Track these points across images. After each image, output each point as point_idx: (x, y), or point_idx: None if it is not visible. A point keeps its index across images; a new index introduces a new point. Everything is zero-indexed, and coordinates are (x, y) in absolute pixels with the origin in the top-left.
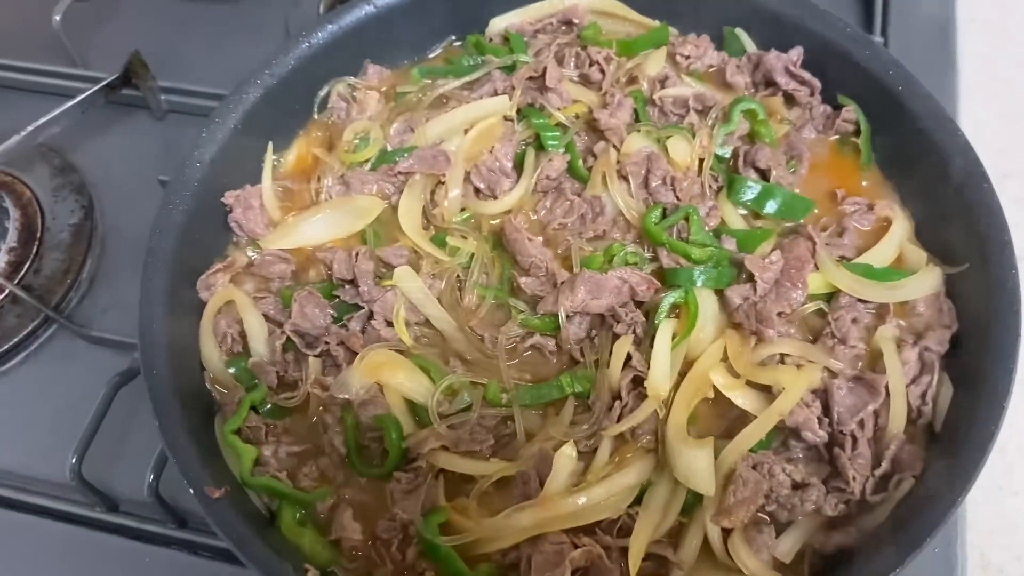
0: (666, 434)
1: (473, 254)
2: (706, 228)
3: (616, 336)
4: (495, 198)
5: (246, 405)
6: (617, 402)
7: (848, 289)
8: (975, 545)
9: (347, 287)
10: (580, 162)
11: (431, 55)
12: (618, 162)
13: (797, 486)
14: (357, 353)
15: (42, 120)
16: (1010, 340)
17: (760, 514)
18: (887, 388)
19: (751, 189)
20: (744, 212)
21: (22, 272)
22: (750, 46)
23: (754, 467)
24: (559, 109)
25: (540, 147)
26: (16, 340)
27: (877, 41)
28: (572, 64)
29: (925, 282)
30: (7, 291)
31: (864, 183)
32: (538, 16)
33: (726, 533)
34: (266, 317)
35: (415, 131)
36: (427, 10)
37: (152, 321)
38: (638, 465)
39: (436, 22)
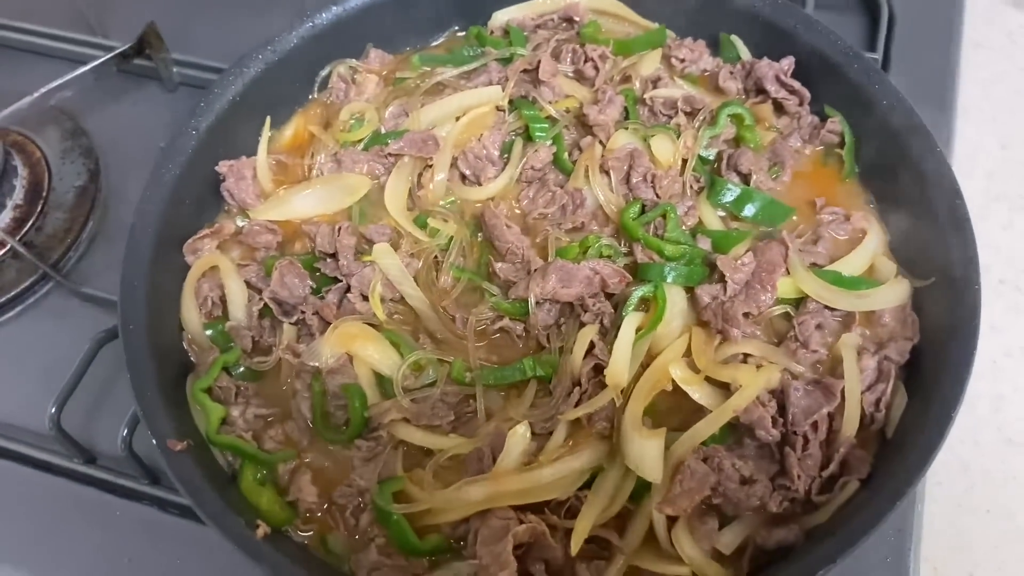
0: (622, 422)
1: (452, 237)
2: (683, 227)
3: (583, 325)
4: (480, 185)
5: (218, 365)
6: (577, 388)
7: (816, 295)
8: (928, 559)
9: (328, 260)
10: (566, 155)
11: (434, 43)
12: (602, 157)
13: (745, 481)
14: (331, 323)
15: (55, 83)
16: (965, 353)
17: (706, 506)
18: (843, 393)
19: (731, 191)
20: (723, 214)
21: (25, 228)
22: (744, 53)
23: (704, 460)
24: (550, 102)
25: (528, 138)
26: (14, 294)
27: (867, 56)
28: (568, 60)
29: (892, 293)
30: (8, 246)
31: (844, 194)
32: (540, 12)
33: (671, 522)
34: (248, 284)
35: (409, 115)
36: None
37: (135, 278)
38: (591, 450)
39: (441, 12)
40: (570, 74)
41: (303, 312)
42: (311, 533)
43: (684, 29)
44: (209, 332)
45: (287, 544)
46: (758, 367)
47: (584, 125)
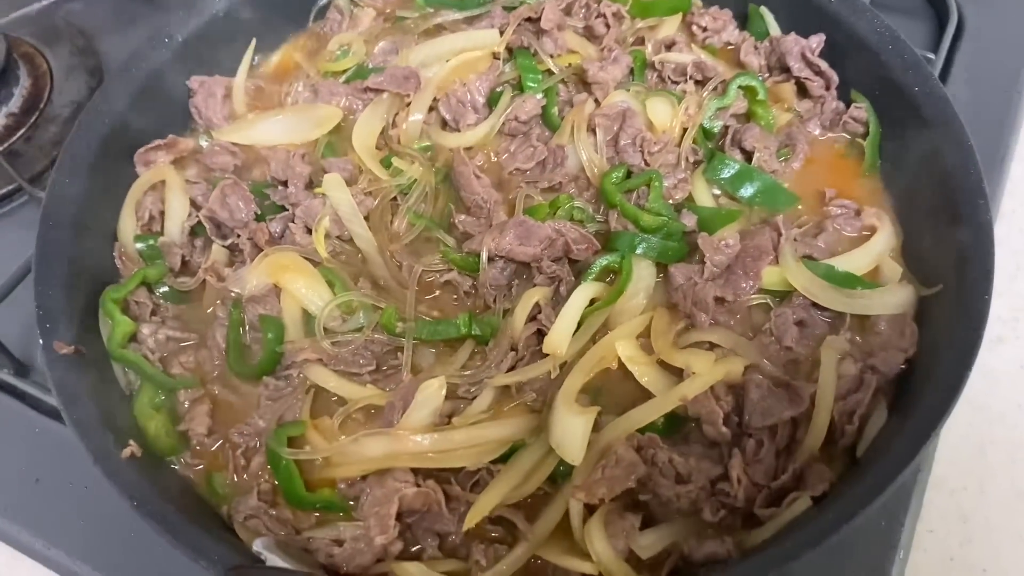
0: (554, 397)
1: (416, 180)
2: (670, 200)
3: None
4: (459, 131)
5: (137, 277)
6: (513, 354)
7: (803, 289)
8: None
9: (279, 188)
10: (556, 110)
11: None
12: (591, 114)
13: (680, 480)
14: (263, 250)
15: None
16: (960, 364)
17: (632, 501)
18: (813, 399)
19: (730, 167)
20: (718, 193)
21: (14, 138)
22: (774, 29)
23: (638, 449)
24: (551, 56)
25: (520, 91)
26: None
27: (914, 48)
28: (581, 14)
29: (892, 298)
30: None
31: (862, 191)
32: None
33: (589, 513)
34: (192, 203)
35: (400, 53)
36: None
37: (71, 176)
38: (514, 422)
39: None
40: (580, 30)
41: (238, 236)
42: (200, 468)
43: None
44: (140, 245)
45: (166, 475)
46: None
47: (583, 83)
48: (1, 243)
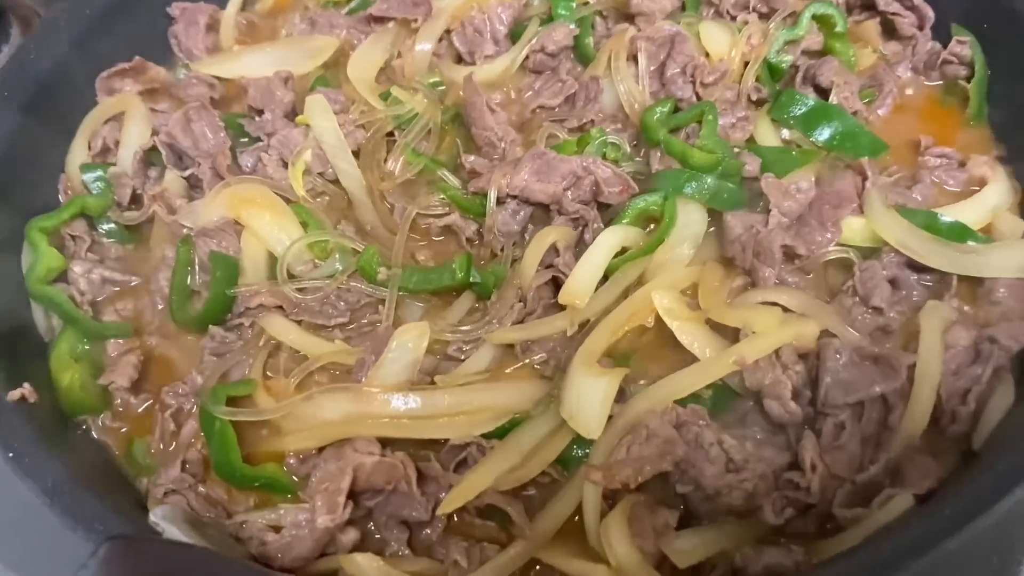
0: (570, 359)
1: (418, 114)
2: (728, 140)
3: None
4: (474, 64)
5: (74, 205)
6: (520, 306)
7: (897, 243)
8: None
9: (257, 119)
10: (590, 39)
11: None
12: (632, 40)
13: (733, 468)
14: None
15: None
16: None
17: (666, 493)
18: (911, 373)
19: (802, 104)
20: (787, 136)
21: None
22: None
23: (677, 425)
24: None
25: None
26: None
27: None
28: None
29: (1014, 256)
30: None
31: (968, 143)
32: None
33: (609, 507)
34: (154, 132)
35: None
36: None
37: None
38: (516, 387)
39: None
40: None
41: (199, 164)
42: (124, 432)
43: None
44: (88, 176)
45: (73, 435)
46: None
47: (625, 16)
48: None
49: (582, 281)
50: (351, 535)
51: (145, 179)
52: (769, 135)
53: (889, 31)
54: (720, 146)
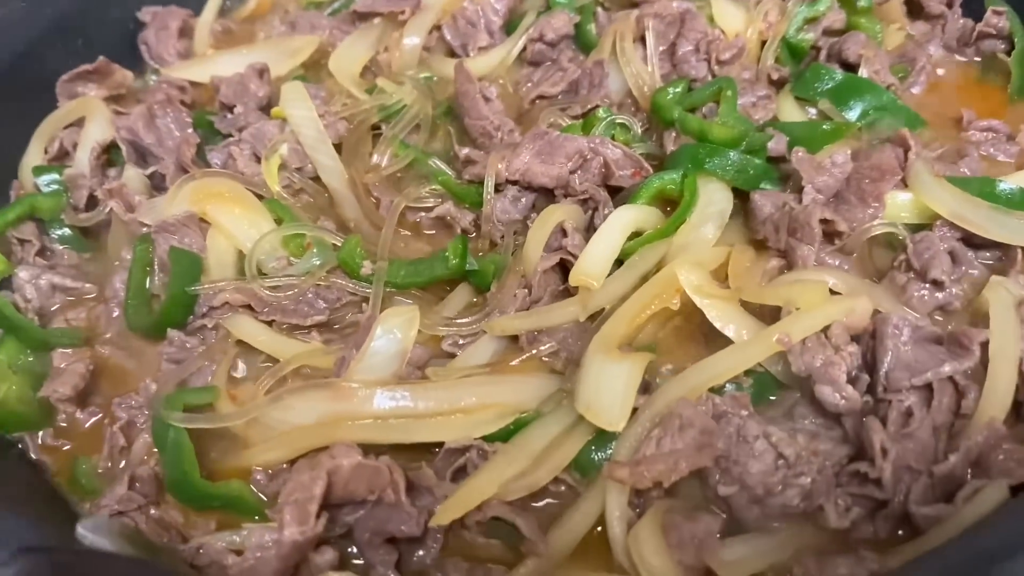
0: (585, 348)
1: (406, 106)
2: (754, 120)
3: None
4: (467, 56)
5: (22, 205)
6: (524, 293)
7: (950, 214)
8: None
9: (228, 115)
10: (592, 26)
11: None
12: (638, 19)
13: (784, 466)
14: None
15: None
16: None
17: (705, 496)
18: (985, 349)
19: (830, 78)
20: (814, 113)
21: None
22: None
23: (715, 418)
24: None
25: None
26: None
27: None
28: None
29: None
30: None
31: (1016, 120)
32: None
33: (637, 514)
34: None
35: None
36: None
37: None
38: (524, 381)
39: None
40: None
41: (163, 160)
42: (68, 449)
43: None
44: (42, 179)
45: (9, 456)
46: None
47: (629, 5)
48: None
49: (596, 260)
50: (327, 556)
51: (103, 179)
52: (795, 113)
53: (915, 11)
54: (742, 122)
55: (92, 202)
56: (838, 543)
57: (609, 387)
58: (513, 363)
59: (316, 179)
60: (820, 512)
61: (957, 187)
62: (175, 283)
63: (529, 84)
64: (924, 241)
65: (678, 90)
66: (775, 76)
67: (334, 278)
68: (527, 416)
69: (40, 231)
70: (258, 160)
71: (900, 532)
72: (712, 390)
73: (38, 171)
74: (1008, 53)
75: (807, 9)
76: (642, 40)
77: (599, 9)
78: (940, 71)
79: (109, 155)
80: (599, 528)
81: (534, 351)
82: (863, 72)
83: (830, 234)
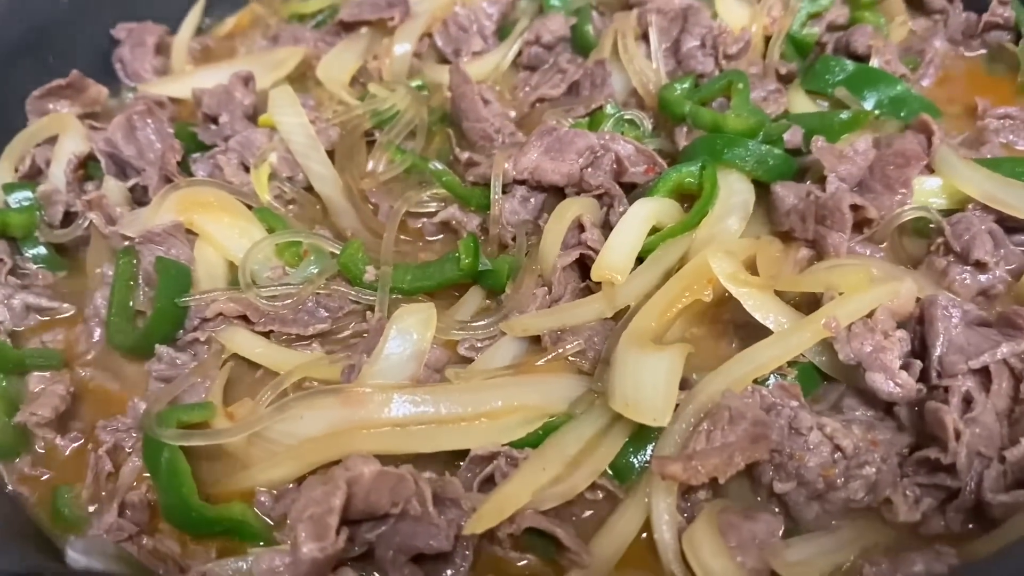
0: (613, 346)
1: (400, 111)
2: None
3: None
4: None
5: None
6: (542, 291)
7: (985, 197)
8: None
9: (212, 127)
10: (589, 28)
11: None
12: (640, 16)
13: (843, 457)
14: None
15: None
16: None
17: (760, 495)
18: None
19: (842, 69)
20: (825, 106)
21: None
22: None
23: (765, 410)
24: None
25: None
26: None
27: None
28: None
29: None
30: None
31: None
32: None
33: (685, 518)
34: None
35: None
36: None
37: None
38: (552, 382)
39: None
40: None
41: (144, 171)
42: (47, 478)
43: None
44: (11, 197)
45: None
46: None
47: (627, 5)
48: None
49: (619, 253)
50: None
51: (80, 194)
52: (807, 106)
53: (916, 6)
54: (756, 113)
55: (68, 219)
56: (905, 539)
57: (650, 381)
58: (538, 363)
59: (309, 189)
60: (887, 505)
61: (989, 168)
62: (162, 295)
63: (527, 88)
64: (962, 223)
65: (685, 86)
66: (783, 71)
67: (335, 286)
68: (557, 419)
69: (12, 250)
70: (246, 170)
71: (971, 526)
72: (756, 383)
73: (8, 188)
74: (1015, 43)
75: (811, 4)
76: (644, 38)
77: (594, 14)
78: (952, 56)
79: (86, 169)
80: (643, 535)
81: (559, 351)
82: (874, 62)
83: (859, 223)
